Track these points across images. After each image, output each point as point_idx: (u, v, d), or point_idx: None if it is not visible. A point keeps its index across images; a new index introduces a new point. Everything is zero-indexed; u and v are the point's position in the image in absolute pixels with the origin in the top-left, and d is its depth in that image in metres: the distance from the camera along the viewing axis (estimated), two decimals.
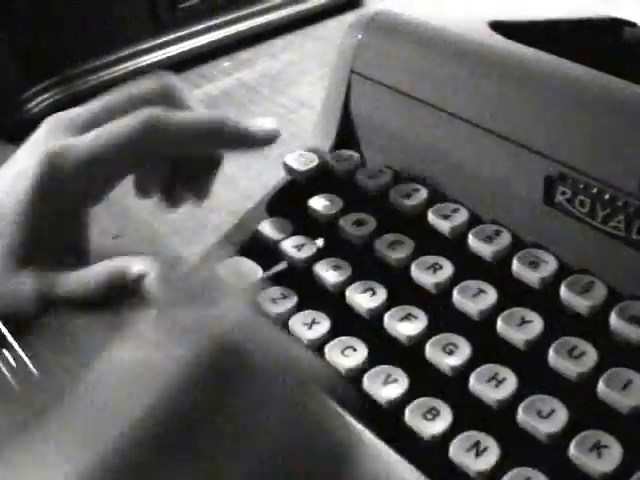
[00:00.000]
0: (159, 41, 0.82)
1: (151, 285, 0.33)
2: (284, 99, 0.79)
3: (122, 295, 0.40)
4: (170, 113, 0.40)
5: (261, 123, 0.43)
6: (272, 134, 0.43)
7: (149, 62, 0.81)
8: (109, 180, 0.41)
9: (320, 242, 0.47)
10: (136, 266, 0.38)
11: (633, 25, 0.50)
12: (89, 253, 0.42)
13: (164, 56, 0.82)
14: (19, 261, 0.38)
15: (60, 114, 0.42)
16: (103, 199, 0.42)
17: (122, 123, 0.39)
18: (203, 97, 0.79)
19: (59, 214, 0.39)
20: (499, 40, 0.44)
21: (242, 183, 0.66)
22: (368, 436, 0.36)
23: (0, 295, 0.37)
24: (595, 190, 0.38)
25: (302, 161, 0.48)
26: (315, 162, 0.47)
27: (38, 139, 0.39)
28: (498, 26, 0.46)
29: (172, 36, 0.83)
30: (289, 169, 0.48)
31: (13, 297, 0.38)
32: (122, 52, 0.79)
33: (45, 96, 0.74)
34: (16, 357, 0.30)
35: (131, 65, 0.80)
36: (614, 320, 0.37)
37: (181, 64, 0.84)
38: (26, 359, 0.30)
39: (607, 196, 0.38)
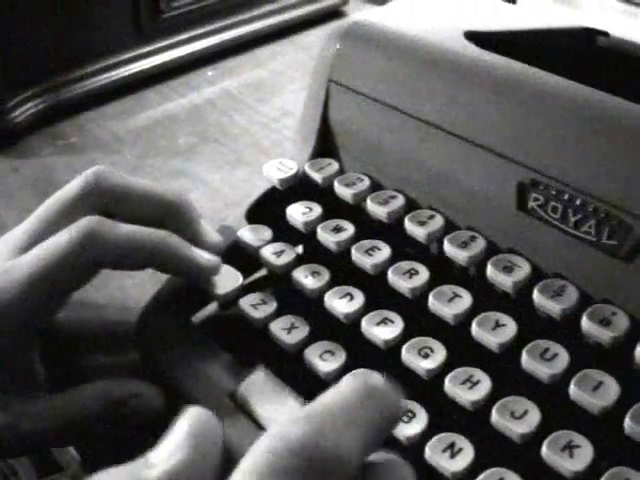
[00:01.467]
0: (143, 50, 0.82)
1: None
2: (267, 108, 0.79)
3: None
4: (109, 224, 0.39)
5: (203, 254, 0.42)
6: (213, 266, 0.43)
7: (133, 71, 0.82)
8: (55, 298, 0.40)
9: (299, 249, 0.48)
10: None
11: (605, 34, 0.50)
12: (42, 384, 0.41)
13: (148, 65, 0.83)
14: None
15: (3, 237, 0.41)
16: (53, 317, 0.42)
17: (60, 237, 0.38)
18: (188, 106, 0.80)
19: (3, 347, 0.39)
20: (473, 50, 0.45)
21: (225, 191, 0.66)
22: None
23: None
24: (566, 196, 0.39)
25: (281, 169, 0.48)
26: (294, 170, 0.48)
27: None
28: (473, 36, 0.46)
29: (156, 45, 0.83)
30: (268, 177, 0.49)
31: None
32: (106, 61, 0.80)
33: (29, 105, 0.75)
34: None
35: (115, 74, 0.80)
36: (585, 323, 0.38)
37: (165, 73, 0.84)
38: None
39: (578, 202, 0.39)
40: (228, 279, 0.45)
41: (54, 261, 0.38)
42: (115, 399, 0.40)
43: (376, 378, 0.27)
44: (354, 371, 0.37)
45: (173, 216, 0.43)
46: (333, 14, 0.95)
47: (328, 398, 0.25)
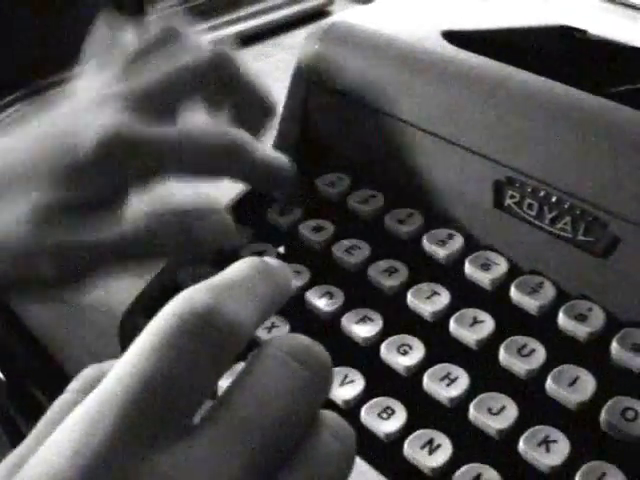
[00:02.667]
0: None
1: None
2: None
3: None
4: (256, 145, 0.41)
5: (278, 155, 0.43)
6: (288, 169, 0.43)
7: None
8: (168, 174, 0.40)
9: (281, 249, 0.48)
10: None
11: (583, 32, 0.51)
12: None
13: None
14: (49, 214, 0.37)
15: (114, 88, 0.41)
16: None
17: (210, 133, 0.40)
18: None
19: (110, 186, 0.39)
20: (451, 49, 0.45)
21: (211, 192, 0.66)
22: None
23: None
24: (542, 193, 0.40)
25: None
26: None
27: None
28: (451, 35, 0.47)
29: None
30: None
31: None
32: None
33: (15, 108, 0.75)
34: None
35: None
36: (562, 319, 0.38)
37: None
38: None
39: (554, 199, 0.39)
40: None
41: (191, 149, 0.39)
42: (185, 223, 0.40)
43: (271, 259, 0.29)
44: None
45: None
46: (319, 14, 0.96)
47: (228, 272, 0.27)
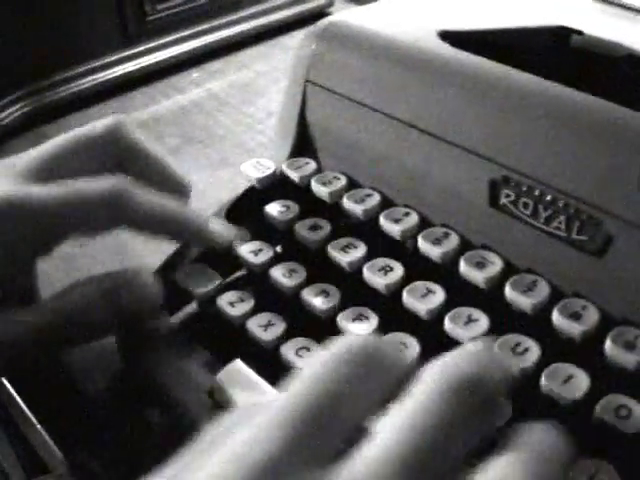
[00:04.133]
0: (128, 53, 0.83)
1: None
2: (253, 109, 0.80)
3: None
4: (139, 191, 0.40)
5: (222, 230, 0.45)
6: (229, 237, 0.45)
7: (119, 74, 0.82)
8: (63, 235, 0.41)
9: (278, 248, 0.49)
10: None
11: (580, 33, 0.51)
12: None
13: (133, 68, 0.83)
14: None
15: (11, 159, 0.42)
16: (52, 252, 0.42)
17: (91, 186, 0.40)
18: (173, 107, 0.81)
19: (10, 258, 0.39)
20: (447, 49, 0.45)
21: (210, 192, 0.67)
22: None
23: None
24: (537, 192, 0.40)
25: (259, 168, 0.49)
26: (271, 169, 0.49)
27: None
28: (447, 35, 0.47)
29: (141, 48, 0.84)
30: (246, 176, 0.49)
31: None
32: (91, 64, 0.80)
33: (16, 107, 0.75)
34: None
35: (101, 77, 0.81)
36: (556, 317, 0.38)
37: (151, 75, 0.85)
38: None
39: (549, 198, 0.40)
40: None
41: (78, 206, 0.39)
42: (108, 289, 0.40)
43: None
44: None
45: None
46: (319, 15, 0.95)
47: None
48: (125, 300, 0.40)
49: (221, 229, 0.45)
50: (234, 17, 0.92)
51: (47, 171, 0.40)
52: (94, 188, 0.40)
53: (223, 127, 0.77)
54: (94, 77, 0.80)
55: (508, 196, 0.41)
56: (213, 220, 0.45)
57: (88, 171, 0.42)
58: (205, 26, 0.90)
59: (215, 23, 0.91)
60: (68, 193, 0.39)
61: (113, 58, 0.82)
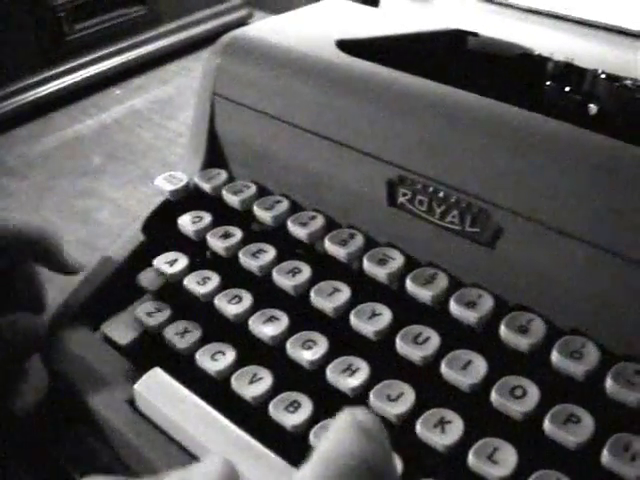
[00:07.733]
0: (49, 73, 0.84)
1: None
2: (174, 124, 0.81)
3: None
4: None
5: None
6: (79, 267, 0.48)
7: (41, 94, 0.83)
8: None
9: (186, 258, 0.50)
10: None
11: (475, 35, 0.54)
12: None
13: (55, 88, 0.84)
14: None
15: None
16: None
17: None
18: (96, 126, 0.81)
19: None
20: (344, 57, 0.47)
21: (131, 207, 0.68)
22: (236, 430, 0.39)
23: None
24: (431, 189, 0.42)
25: (172, 181, 0.50)
26: (184, 182, 0.50)
27: None
28: (344, 45, 0.49)
29: (62, 68, 0.85)
30: (160, 190, 0.50)
31: None
32: (11, 86, 0.81)
33: (15, 99, 0.76)
34: None
35: (22, 99, 0.81)
36: (454, 307, 0.40)
37: (73, 95, 0.86)
38: None
39: (442, 194, 0.42)
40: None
41: None
42: None
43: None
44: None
45: (38, 247, 0.46)
46: (237, 28, 0.97)
47: None
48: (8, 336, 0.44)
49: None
50: (154, 33, 0.93)
51: None
52: None
53: (145, 143, 0.78)
54: (15, 99, 0.81)
55: (405, 195, 0.43)
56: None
57: None
58: (125, 43, 0.91)
59: (135, 40, 0.92)
60: None
61: (34, 79, 0.83)
